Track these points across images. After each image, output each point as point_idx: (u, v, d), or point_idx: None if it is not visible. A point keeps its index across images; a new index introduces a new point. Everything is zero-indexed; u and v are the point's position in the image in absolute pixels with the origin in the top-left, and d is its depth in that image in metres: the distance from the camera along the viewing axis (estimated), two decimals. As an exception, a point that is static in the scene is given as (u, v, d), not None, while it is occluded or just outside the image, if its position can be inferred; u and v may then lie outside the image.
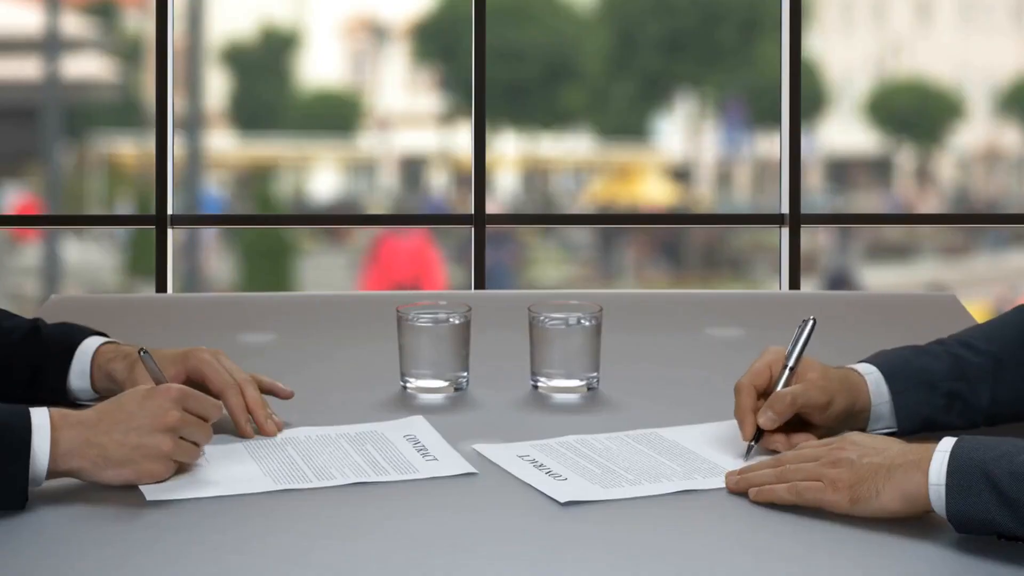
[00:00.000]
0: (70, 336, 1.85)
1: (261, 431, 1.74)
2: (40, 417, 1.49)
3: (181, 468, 1.56)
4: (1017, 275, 4.94)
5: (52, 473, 1.49)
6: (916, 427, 1.70)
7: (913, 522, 1.43)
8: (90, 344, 1.83)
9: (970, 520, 1.38)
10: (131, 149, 4.77)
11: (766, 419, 1.66)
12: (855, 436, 1.50)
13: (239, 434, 1.73)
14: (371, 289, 4.75)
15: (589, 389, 1.95)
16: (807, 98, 4.65)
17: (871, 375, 1.72)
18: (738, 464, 1.63)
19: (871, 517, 1.44)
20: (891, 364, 1.72)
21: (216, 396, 1.75)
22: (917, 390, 1.70)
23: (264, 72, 4.87)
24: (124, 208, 4.79)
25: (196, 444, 1.56)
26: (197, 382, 1.77)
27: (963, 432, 1.50)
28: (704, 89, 4.86)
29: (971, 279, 4.92)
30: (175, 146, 4.60)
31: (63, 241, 4.85)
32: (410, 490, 1.56)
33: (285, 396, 1.84)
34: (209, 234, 4.81)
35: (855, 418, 1.70)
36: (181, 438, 1.54)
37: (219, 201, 4.85)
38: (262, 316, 2.41)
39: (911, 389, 1.70)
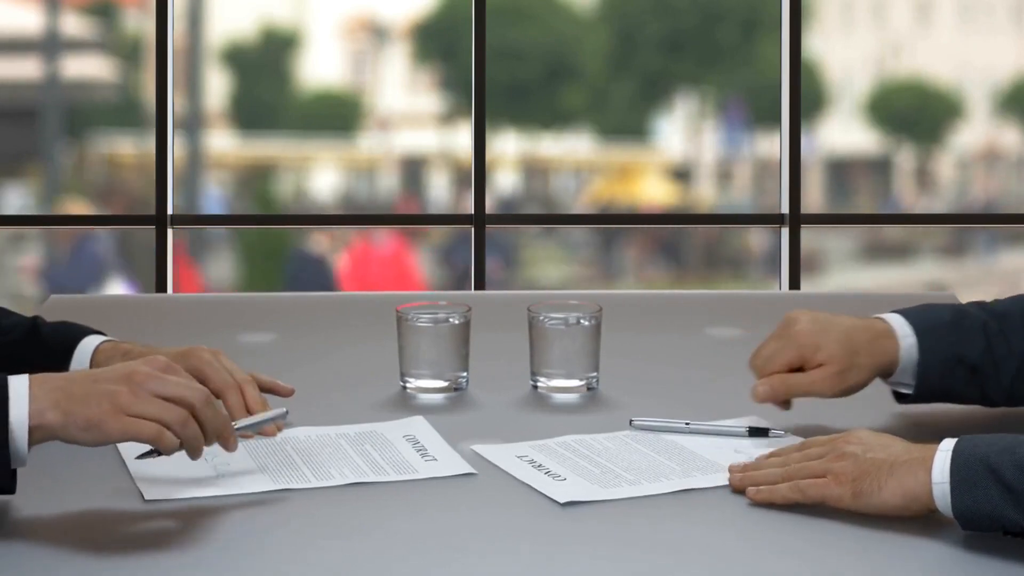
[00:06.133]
0: (69, 335, 1.84)
1: (261, 432, 1.74)
2: (19, 385, 1.44)
3: (161, 446, 1.44)
4: (1016, 275, 4.93)
5: (33, 432, 1.43)
6: (933, 398, 1.76)
7: (916, 520, 1.43)
8: (89, 343, 1.83)
9: (976, 516, 1.38)
10: (131, 149, 4.77)
11: (762, 394, 1.75)
12: (860, 432, 1.51)
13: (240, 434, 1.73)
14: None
15: (589, 389, 1.95)
16: (807, 98, 4.65)
17: (908, 355, 1.75)
18: (738, 462, 1.63)
19: (872, 513, 1.44)
20: (931, 342, 1.75)
21: (216, 396, 1.76)
22: (947, 371, 1.74)
23: (264, 72, 4.87)
24: (124, 208, 4.79)
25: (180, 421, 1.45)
26: (197, 382, 1.76)
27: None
28: (704, 89, 4.86)
29: (971, 279, 4.92)
30: (175, 146, 4.60)
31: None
32: (409, 490, 1.56)
33: (285, 394, 1.84)
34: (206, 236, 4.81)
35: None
36: (160, 398, 1.45)
37: (220, 201, 4.85)
38: (262, 316, 2.41)
39: (943, 373, 1.74)
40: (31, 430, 1.43)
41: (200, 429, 1.47)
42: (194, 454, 1.47)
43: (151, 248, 4.58)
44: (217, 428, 1.48)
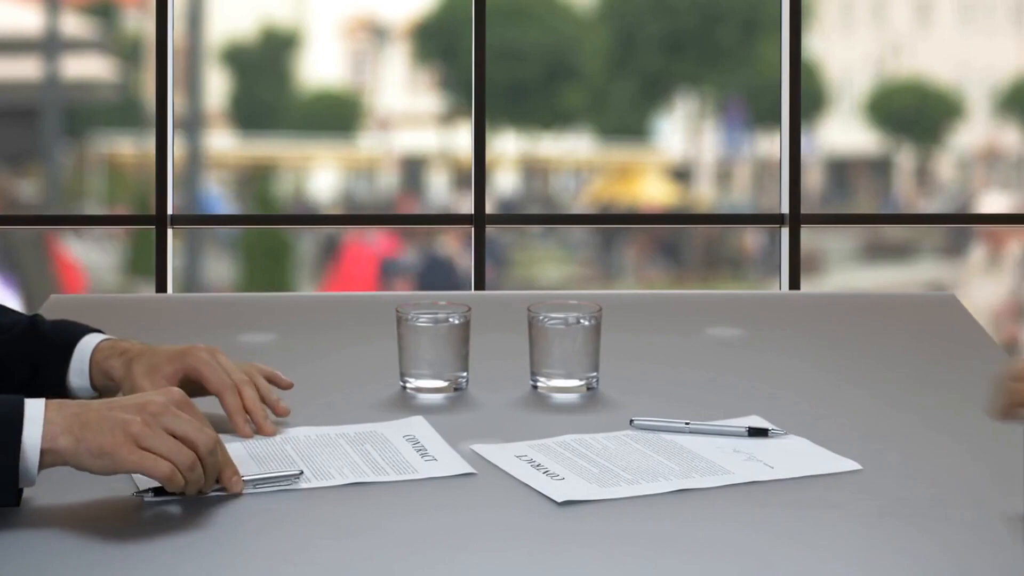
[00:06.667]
0: (68, 333, 1.84)
1: (260, 431, 1.74)
2: (34, 409, 1.46)
3: (170, 485, 1.47)
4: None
5: (44, 455, 1.45)
6: None
7: (915, 521, 1.43)
8: (89, 341, 1.83)
9: None
10: (131, 149, 4.77)
11: None
12: None
13: (237, 435, 1.73)
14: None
15: (588, 389, 1.95)
16: (807, 98, 4.65)
17: None
18: (736, 464, 1.63)
19: None
20: None
21: (214, 395, 1.76)
22: None
23: (264, 72, 4.87)
24: (124, 208, 4.79)
25: (190, 450, 1.48)
26: (195, 381, 1.77)
27: None
28: (704, 89, 4.86)
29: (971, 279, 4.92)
30: (175, 146, 4.60)
31: (63, 241, 4.85)
32: (409, 490, 1.56)
33: (285, 386, 1.84)
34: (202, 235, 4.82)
35: None
36: (171, 435, 1.47)
37: (221, 201, 4.85)
38: (262, 316, 2.41)
39: None
40: (43, 453, 1.45)
41: (205, 471, 1.50)
42: (192, 493, 1.50)
43: (35, 245, 4.61)
44: (218, 473, 1.51)
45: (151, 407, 1.48)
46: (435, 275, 4.83)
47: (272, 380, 1.83)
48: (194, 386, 1.76)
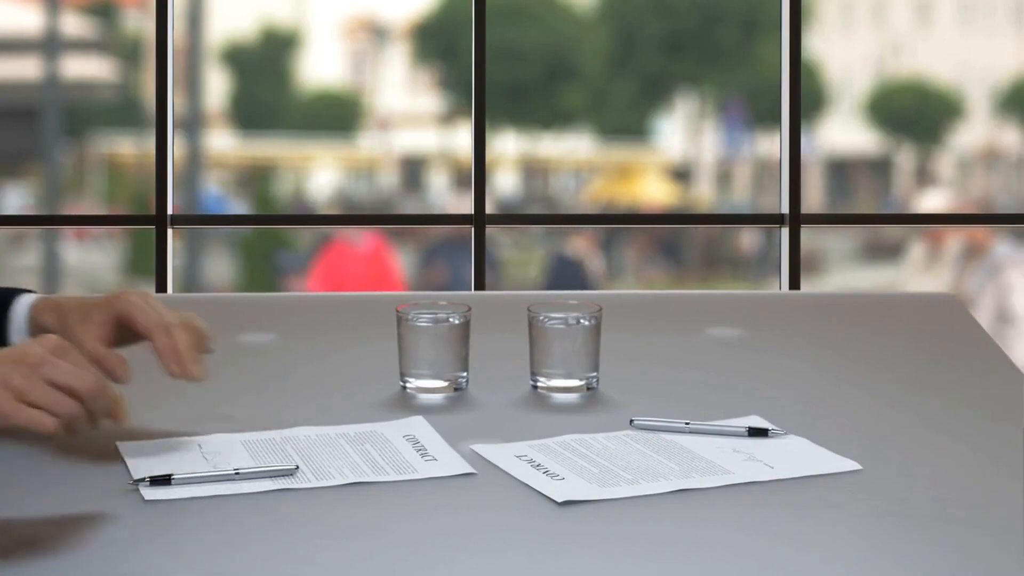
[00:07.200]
0: (3, 295, 1.81)
1: (187, 375, 1.68)
2: None
3: (53, 435, 1.44)
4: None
5: None
6: None
7: (915, 522, 1.43)
8: (25, 300, 1.80)
9: None
10: (131, 149, 4.77)
11: None
12: None
13: (167, 373, 1.68)
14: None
15: (589, 389, 1.94)
16: (807, 98, 4.65)
17: None
18: (736, 464, 1.63)
19: None
20: None
21: (143, 337, 1.71)
22: None
23: (264, 72, 4.88)
24: (124, 208, 4.79)
25: (74, 399, 1.44)
26: (126, 325, 1.72)
27: None
28: (704, 89, 4.87)
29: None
30: (175, 146, 4.60)
31: (63, 241, 4.85)
32: (409, 490, 1.56)
33: (207, 350, 1.75)
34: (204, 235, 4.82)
35: None
36: (52, 385, 1.44)
37: (221, 201, 4.85)
38: (262, 316, 2.41)
39: None
40: None
41: (91, 414, 1.46)
42: (81, 434, 1.47)
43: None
44: (106, 412, 1.47)
45: (29, 359, 1.44)
46: (565, 276, 4.83)
47: (200, 337, 1.74)
48: (127, 331, 1.72)
